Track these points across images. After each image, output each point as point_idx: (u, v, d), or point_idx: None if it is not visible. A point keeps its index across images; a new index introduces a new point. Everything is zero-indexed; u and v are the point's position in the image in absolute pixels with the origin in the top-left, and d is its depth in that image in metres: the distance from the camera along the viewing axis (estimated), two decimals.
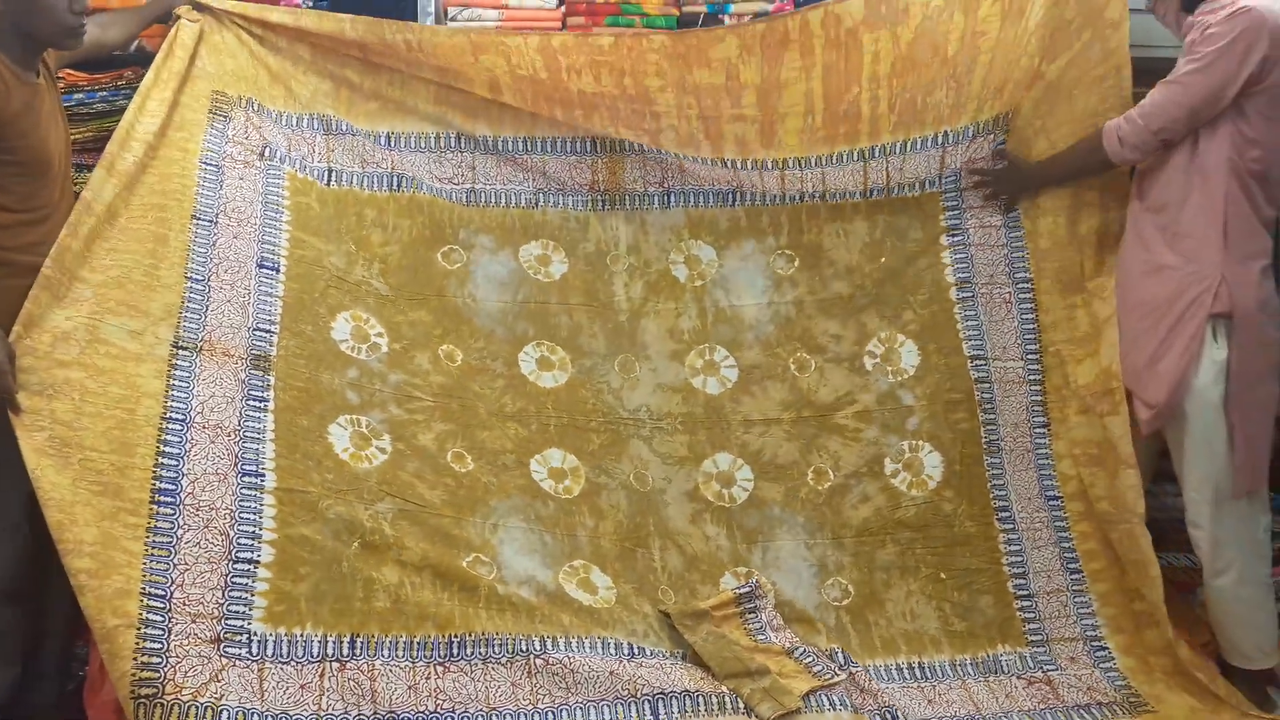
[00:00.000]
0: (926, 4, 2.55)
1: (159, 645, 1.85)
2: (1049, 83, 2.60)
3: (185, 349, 2.20)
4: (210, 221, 2.38)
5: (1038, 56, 2.57)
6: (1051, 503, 2.53)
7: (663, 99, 2.66)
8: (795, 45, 2.57)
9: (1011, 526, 2.53)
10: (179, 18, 2.56)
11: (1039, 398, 2.60)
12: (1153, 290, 2.35)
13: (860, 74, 2.62)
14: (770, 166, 2.77)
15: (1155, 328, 2.34)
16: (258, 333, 2.31)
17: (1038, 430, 2.58)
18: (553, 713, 2.07)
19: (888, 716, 2.15)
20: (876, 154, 2.76)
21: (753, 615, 2.35)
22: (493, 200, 2.74)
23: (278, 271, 2.42)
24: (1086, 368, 2.54)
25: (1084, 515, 2.49)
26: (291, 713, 1.90)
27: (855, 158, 2.77)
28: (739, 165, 2.78)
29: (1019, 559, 2.50)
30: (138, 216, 2.26)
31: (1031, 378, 2.62)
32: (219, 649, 1.91)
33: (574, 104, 2.70)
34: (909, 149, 2.74)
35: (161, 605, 1.90)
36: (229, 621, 1.96)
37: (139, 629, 1.84)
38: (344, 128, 2.66)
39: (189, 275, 2.28)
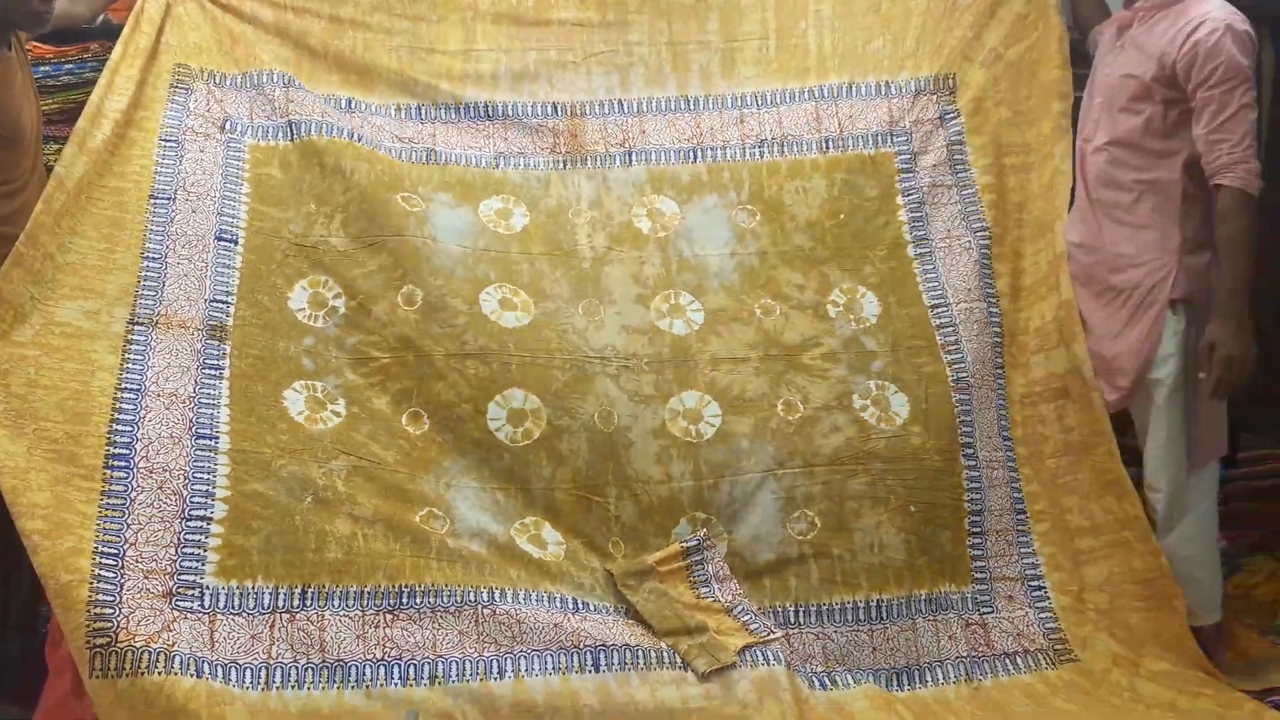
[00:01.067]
0: None
1: (111, 598, 2.02)
2: (1010, 63, 2.86)
3: (141, 324, 2.36)
4: (168, 199, 2.52)
5: (971, 30, 2.89)
6: (1006, 443, 2.63)
7: (638, 23, 2.94)
8: None
9: (974, 464, 2.60)
10: None
11: (998, 340, 2.70)
12: (1114, 280, 2.50)
13: (806, 10, 2.98)
14: (730, 104, 2.93)
15: (1118, 314, 2.49)
16: (214, 304, 2.46)
17: (998, 370, 2.68)
18: (497, 660, 2.20)
19: (820, 678, 2.28)
20: (826, 95, 2.93)
21: (699, 567, 2.45)
22: (452, 160, 2.83)
23: (236, 244, 2.56)
24: (1049, 303, 2.65)
25: (1028, 459, 2.60)
26: (241, 661, 2.07)
27: (806, 97, 2.91)
28: (701, 105, 2.92)
29: (978, 496, 2.58)
30: (97, 199, 2.42)
31: (993, 320, 2.71)
32: (170, 602, 2.09)
33: (550, 40, 2.91)
34: (855, 94, 2.93)
35: (114, 563, 2.07)
36: (181, 577, 2.12)
37: (91, 584, 2.01)
38: (303, 88, 2.78)
39: (145, 255, 2.43)
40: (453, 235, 2.73)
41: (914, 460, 2.58)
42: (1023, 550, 2.55)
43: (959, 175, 2.84)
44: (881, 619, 2.44)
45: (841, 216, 2.83)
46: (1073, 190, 2.66)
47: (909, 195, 2.85)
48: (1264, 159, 2.36)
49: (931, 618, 2.45)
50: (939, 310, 2.74)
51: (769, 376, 2.67)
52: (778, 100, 2.93)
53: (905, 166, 2.87)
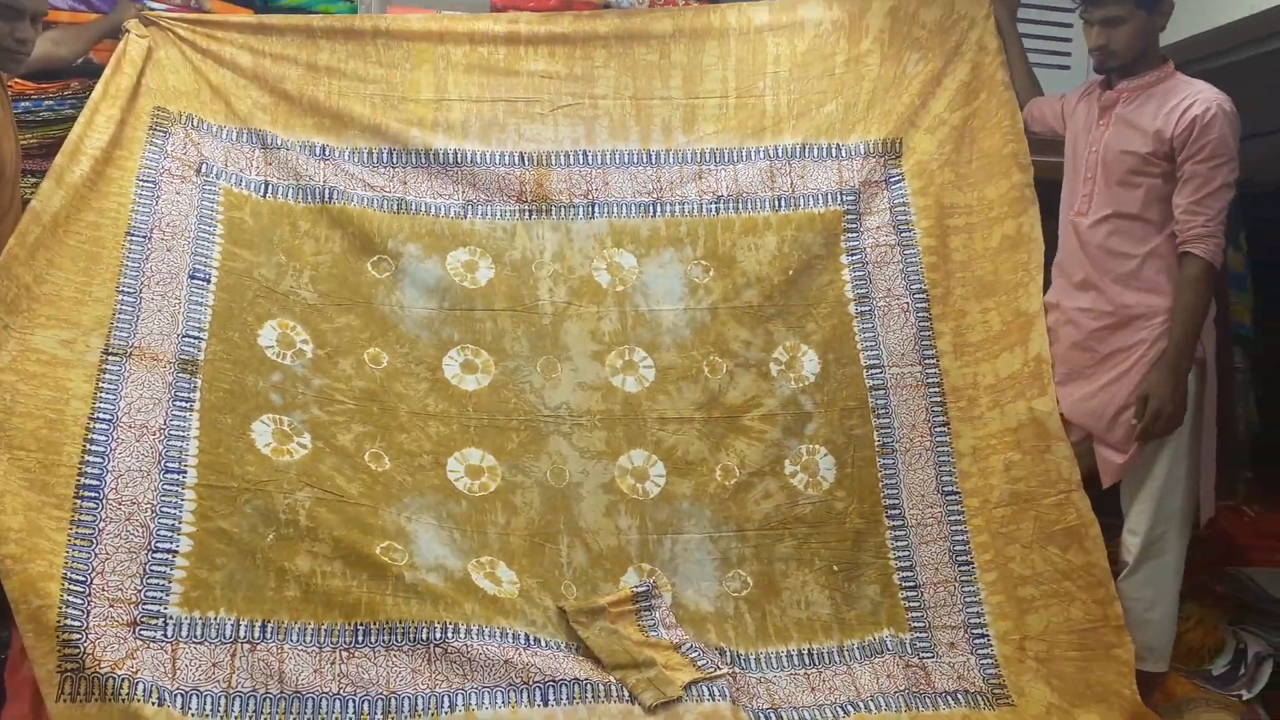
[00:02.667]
0: (818, 25, 3.10)
1: (78, 624, 2.13)
2: (953, 127, 3.07)
3: (115, 355, 2.48)
4: (144, 237, 2.67)
5: (918, 99, 3.10)
6: (949, 498, 2.79)
7: (603, 77, 3.12)
8: (715, 35, 3.16)
9: (900, 523, 2.80)
10: (128, 31, 2.87)
11: (938, 399, 2.88)
12: (1126, 339, 2.64)
13: (765, 71, 3.17)
14: (690, 159, 3.12)
15: (1128, 374, 2.62)
16: (186, 339, 2.60)
17: (938, 429, 2.85)
18: (449, 696, 2.35)
19: (766, 713, 2.43)
20: (780, 155, 3.13)
21: (647, 612, 2.63)
22: (422, 210, 3.01)
23: (209, 282, 2.72)
24: (1006, 360, 2.82)
25: (979, 509, 2.75)
26: (202, 689, 2.19)
27: (761, 156, 3.12)
28: (662, 159, 3.12)
29: (905, 553, 2.77)
30: (75, 233, 2.55)
31: (930, 381, 2.89)
32: (134, 631, 2.20)
33: (519, 90, 3.10)
34: (808, 154, 3.13)
35: (81, 590, 2.18)
36: (146, 606, 2.24)
37: (60, 609, 2.12)
38: (279, 142, 2.94)
39: (121, 289, 2.57)
40: (419, 294, 2.92)
41: (837, 524, 2.81)
42: (968, 599, 2.70)
43: (902, 235, 3.03)
44: (815, 664, 2.63)
45: (790, 273, 3.03)
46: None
47: (853, 255, 3.06)
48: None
49: (868, 661, 2.63)
50: (873, 371, 2.94)
51: (710, 440, 2.90)
52: (735, 158, 3.13)
53: (851, 226, 3.07)
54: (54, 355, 2.42)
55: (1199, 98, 2.52)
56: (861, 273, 3.03)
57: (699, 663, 2.49)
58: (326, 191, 2.93)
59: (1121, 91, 2.68)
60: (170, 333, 2.60)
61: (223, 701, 2.20)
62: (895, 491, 2.84)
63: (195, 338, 2.63)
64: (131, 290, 2.60)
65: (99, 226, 2.62)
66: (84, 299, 2.52)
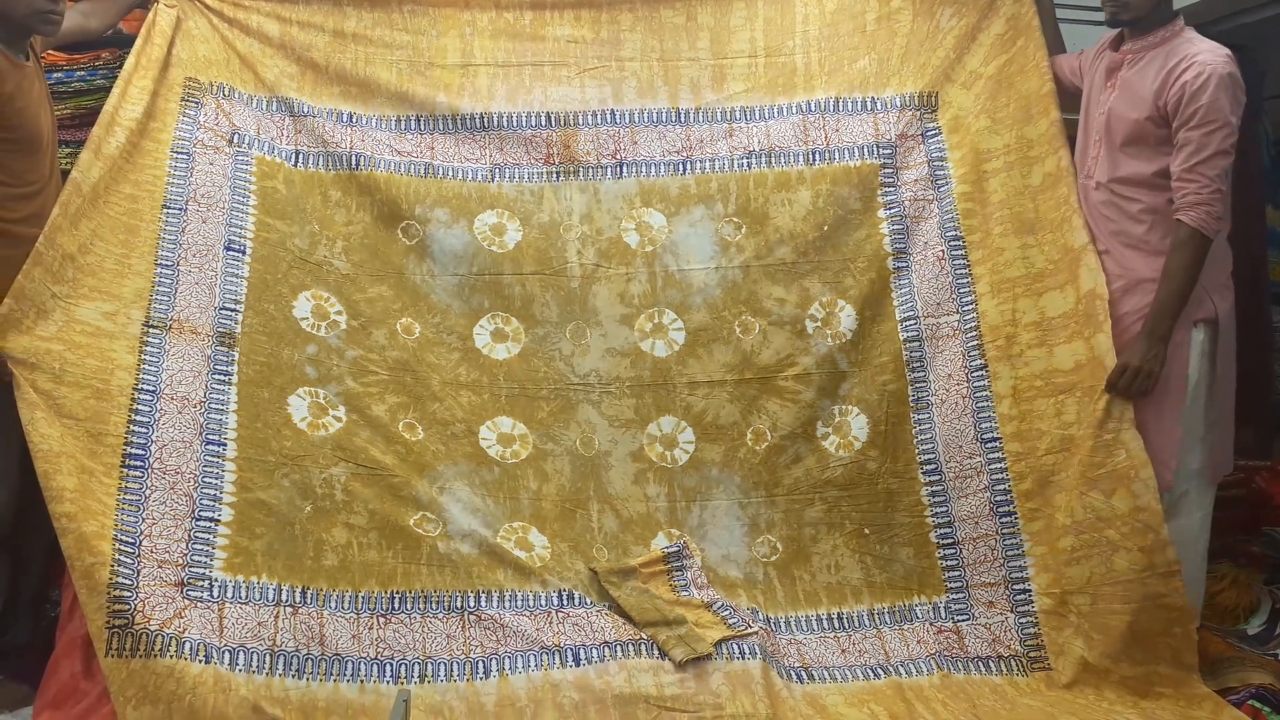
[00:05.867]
0: None
1: (129, 583, 2.29)
2: (989, 78, 3.09)
3: (155, 328, 2.62)
4: (179, 209, 2.80)
5: (953, 53, 3.14)
6: (989, 445, 2.80)
7: (630, 41, 3.20)
8: None
9: (938, 479, 2.84)
10: (157, 3, 2.96)
11: (975, 341, 2.89)
12: (1137, 302, 2.68)
13: (794, 31, 3.24)
14: (720, 118, 3.16)
15: (1139, 338, 2.63)
16: (224, 311, 2.74)
17: (976, 374, 2.87)
18: (483, 661, 2.49)
19: (797, 671, 2.53)
20: (813, 109, 3.16)
21: (679, 573, 2.74)
22: (449, 174, 3.10)
23: (244, 253, 2.84)
24: (1055, 299, 2.82)
25: (1024, 455, 2.74)
26: (249, 645, 2.35)
27: (794, 110, 3.15)
28: (691, 117, 3.16)
29: (943, 510, 2.81)
30: (113, 204, 2.69)
31: (967, 325, 2.92)
32: (182, 592, 2.37)
33: (545, 55, 3.15)
34: (842, 108, 3.16)
35: (131, 550, 2.34)
36: (192, 569, 2.41)
37: (112, 568, 2.28)
38: (307, 109, 3.05)
39: (159, 262, 2.70)
40: (448, 261, 3.01)
41: (869, 485, 2.88)
42: (1010, 553, 2.72)
43: (940, 189, 3.07)
44: (845, 628, 2.72)
45: (825, 228, 3.08)
46: None
47: (891, 209, 3.10)
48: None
49: (898, 627, 2.71)
50: (908, 324, 2.99)
51: (742, 403, 2.97)
52: (766, 114, 3.18)
53: (888, 180, 3.11)
54: (98, 327, 2.56)
55: (1195, 61, 2.54)
56: (900, 226, 3.07)
57: (730, 621, 2.59)
58: (354, 158, 3.03)
59: (1126, 53, 2.71)
60: (208, 305, 2.73)
61: (268, 659, 2.35)
62: (931, 447, 2.89)
63: (232, 310, 2.76)
64: (169, 263, 2.73)
65: (136, 199, 2.74)
66: (124, 271, 2.65)
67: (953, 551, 2.78)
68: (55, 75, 2.99)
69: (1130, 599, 2.56)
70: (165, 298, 2.68)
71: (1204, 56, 2.54)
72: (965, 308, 2.95)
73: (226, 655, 2.31)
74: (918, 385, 2.93)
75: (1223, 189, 2.55)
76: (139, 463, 2.46)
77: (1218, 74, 2.51)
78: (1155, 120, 2.60)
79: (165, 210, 2.77)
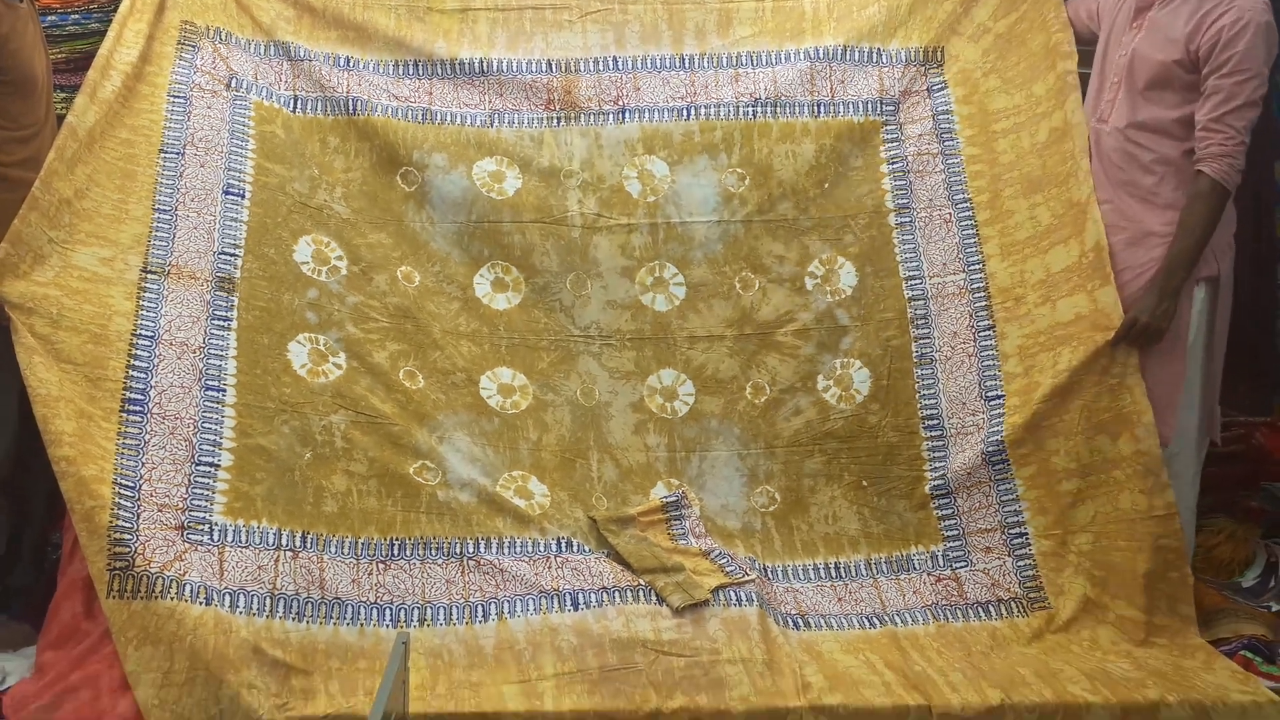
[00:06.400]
0: None
1: (129, 526, 2.32)
2: (999, 35, 3.07)
3: (154, 273, 2.63)
4: (177, 154, 2.78)
5: (960, 6, 3.12)
6: (992, 402, 2.80)
7: None
8: None
9: (939, 433, 2.86)
10: None
11: (983, 303, 2.89)
12: (1140, 256, 2.65)
13: None
14: (725, 63, 3.13)
15: (1137, 294, 2.64)
16: (223, 256, 2.73)
17: (983, 333, 2.88)
18: (482, 606, 2.51)
19: (793, 618, 2.56)
20: (821, 56, 3.13)
21: (677, 522, 2.76)
22: (447, 120, 3.08)
23: (243, 197, 2.83)
24: (1059, 254, 2.81)
25: (1019, 407, 2.75)
26: (249, 588, 2.38)
27: (801, 57, 3.13)
28: (695, 62, 3.14)
29: (940, 464, 2.83)
30: (110, 149, 2.68)
31: (975, 286, 2.92)
32: (183, 535, 2.39)
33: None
34: (849, 57, 3.13)
35: (131, 494, 2.36)
36: (192, 513, 2.43)
37: (112, 510, 2.30)
38: (304, 54, 3.03)
39: (157, 207, 2.70)
40: (447, 209, 3.00)
41: (869, 438, 2.90)
42: (1004, 497, 2.74)
43: (945, 144, 3.05)
44: (842, 578, 2.75)
45: (826, 185, 3.08)
46: None
47: (894, 164, 3.09)
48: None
49: (894, 577, 2.74)
50: (913, 282, 2.99)
51: (741, 358, 2.98)
52: (774, 60, 3.15)
53: (891, 135, 3.10)
54: (95, 272, 2.56)
55: (1232, 6, 2.49)
56: (902, 182, 3.06)
57: (727, 569, 2.61)
58: (351, 102, 3.02)
59: None
60: (206, 250, 2.73)
61: (268, 602, 2.38)
62: (934, 402, 2.90)
63: (231, 254, 2.76)
64: (167, 208, 2.73)
65: (133, 144, 2.74)
66: (121, 216, 2.65)
67: (947, 501, 2.80)
68: (49, 19, 2.98)
69: (1132, 537, 2.60)
70: (163, 243, 2.67)
71: (1243, 2, 2.49)
72: (972, 268, 2.94)
73: (227, 598, 2.34)
74: (921, 341, 2.94)
75: (1246, 142, 2.52)
76: (138, 408, 2.47)
77: (1255, 21, 2.46)
78: (1184, 65, 2.55)
79: (162, 155, 2.76)
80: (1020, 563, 2.70)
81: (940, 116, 3.08)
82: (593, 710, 2.25)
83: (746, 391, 2.96)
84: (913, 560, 2.76)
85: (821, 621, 2.61)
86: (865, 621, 2.63)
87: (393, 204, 2.98)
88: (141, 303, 2.58)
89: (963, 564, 2.74)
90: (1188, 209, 2.55)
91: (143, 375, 2.51)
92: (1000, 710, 2.30)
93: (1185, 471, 2.68)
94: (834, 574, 2.75)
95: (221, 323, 2.67)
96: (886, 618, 2.63)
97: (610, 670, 2.34)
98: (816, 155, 3.08)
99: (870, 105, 3.11)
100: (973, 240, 2.96)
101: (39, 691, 2.21)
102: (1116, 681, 2.39)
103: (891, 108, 3.11)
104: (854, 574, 2.75)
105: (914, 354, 2.93)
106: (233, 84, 2.93)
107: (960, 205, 3.00)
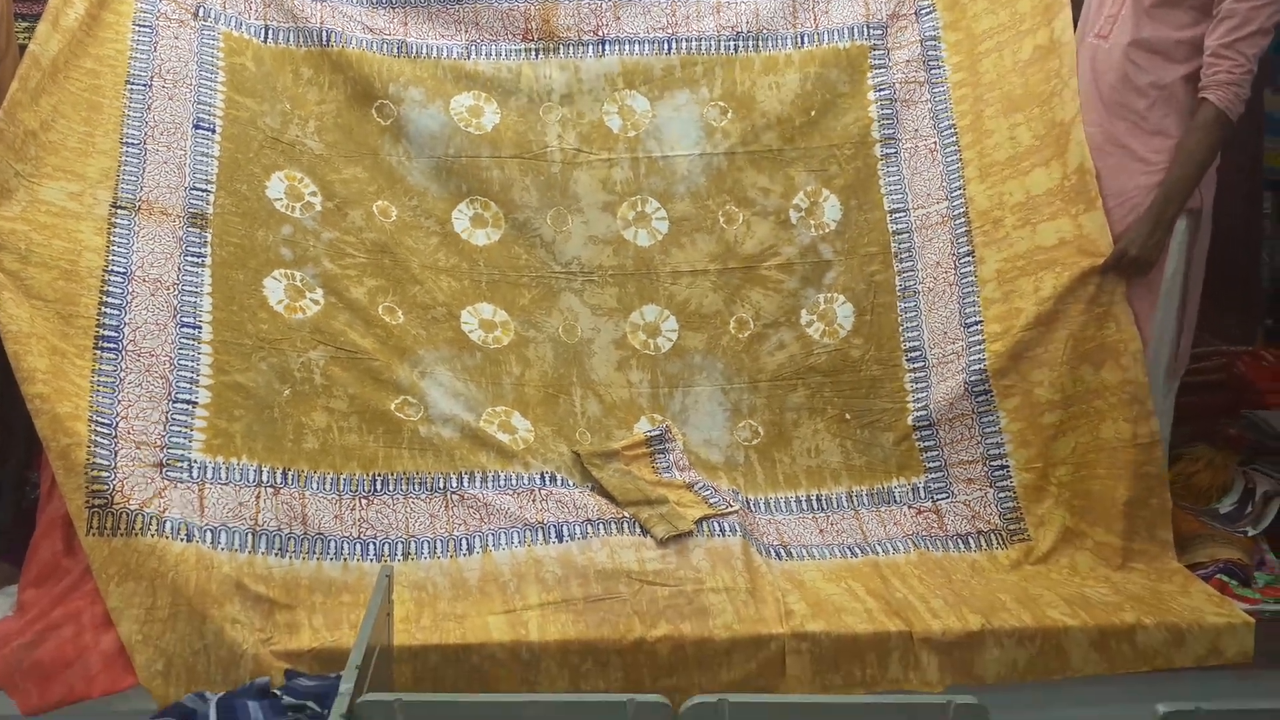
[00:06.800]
0: None
1: (107, 463, 2.29)
2: None
3: (124, 209, 2.57)
4: (144, 86, 2.72)
5: None
6: (971, 329, 2.79)
7: None
8: None
9: (921, 365, 2.86)
10: None
11: (963, 228, 2.87)
12: (1125, 182, 2.62)
13: None
14: None
15: (1125, 219, 2.61)
16: (194, 192, 2.68)
17: (963, 260, 2.85)
18: (466, 539, 2.52)
19: (776, 549, 2.58)
20: None
21: (661, 455, 2.77)
22: (424, 53, 3.02)
23: (214, 132, 2.77)
24: (1040, 176, 2.76)
25: (1000, 335, 2.73)
26: (230, 525, 2.37)
27: None
28: None
29: (923, 395, 2.83)
30: (74, 80, 2.62)
31: (956, 212, 2.89)
32: (161, 472, 2.37)
33: None
34: None
35: (108, 431, 2.34)
36: (170, 450, 2.40)
37: (89, 448, 2.28)
38: None
39: (125, 140, 2.64)
40: (425, 143, 2.95)
41: (853, 372, 2.90)
42: (986, 429, 2.73)
43: (932, 71, 3.01)
44: (824, 509, 2.77)
45: (812, 113, 3.04)
46: None
47: (880, 91, 3.05)
48: None
49: (875, 509, 2.76)
50: (897, 215, 2.97)
51: (725, 293, 2.97)
52: None
53: (878, 61, 3.06)
54: (63, 207, 2.52)
55: None
56: (889, 111, 3.03)
57: (711, 501, 2.63)
58: (324, 34, 2.96)
59: None
60: (177, 186, 2.68)
61: (250, 538, 2.37)
62: (916, 334, 2.89)
63: (203, 190, 2.71)
64: (135, 141, 2.67)
65: (98, 74, 2.68)
66: (88, 150, 2.60)
67: (930, 433, 2.81)
68: None
69: (1112, 465, 2.62)
70: (132, 178, 2.62)
71: None
72: (954, 194, 2.92)
73: (208, 534, 2.33)
74: (905, 275, 2.93)
75: (1254, 71, 2.46)
76: (112, 345, 2.43)
77: None
78: None
79: (129, 87, 2.70)
80: (1001, 494, 2.72)
81: (928, 43, 3.03)
82: (577, 639, 2.26)
83: (730, 326, 2.95)
84: (894, 492, 2.78)
85: (804, 552, 2.63)
86: (847, 551, 2.65)
87: (368, 138, 2.93)
88: (112, 238, 2.53)
89: (944, 496, 2.76)
90: (1188, 137, 2.50)
91: (116, 312, 2.47)
92: (980, 635, 2.32)
93: (1156, 406, 2.67)
94: (816, 506, 2.77)
95: (195, 259, 2.63)
96: (868, 548, 2.66)
97: (595, 600, 2.35)
98: (801, 83, 3.05)
99: (856, 30, 3.06)
100: (955, 164, 2.93)
101: (21, 629, 2.20)
102: (1094, 606, 2.42)
103: (879, 31, 3.06)
104: (835, 506, 2.77)
105: (897, 287, 2.93)
106: (200, 12, 2.86)
107: (945, 133, 2.97)
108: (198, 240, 2.65)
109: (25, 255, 2.40)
